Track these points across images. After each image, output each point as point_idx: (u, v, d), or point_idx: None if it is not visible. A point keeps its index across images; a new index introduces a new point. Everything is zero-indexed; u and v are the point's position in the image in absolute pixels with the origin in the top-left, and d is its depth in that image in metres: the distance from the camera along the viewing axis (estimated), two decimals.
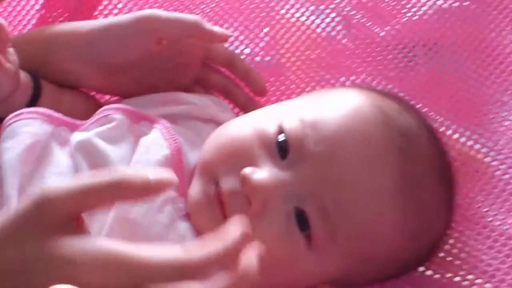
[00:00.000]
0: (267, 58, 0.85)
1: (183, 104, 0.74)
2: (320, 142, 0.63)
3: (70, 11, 0.86)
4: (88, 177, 0.52)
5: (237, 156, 0.64)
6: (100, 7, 0.88)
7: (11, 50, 0.68)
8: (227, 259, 0.52)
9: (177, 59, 0.77)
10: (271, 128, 0.65)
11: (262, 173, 0.62)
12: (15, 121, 0.67)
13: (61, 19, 0.87)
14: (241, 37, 0.86)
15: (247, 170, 0.62)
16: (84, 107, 0.74)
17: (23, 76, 0.71)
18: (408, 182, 0.65)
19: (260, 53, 0.86)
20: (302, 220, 0.62)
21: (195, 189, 0.65)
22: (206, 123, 0.73)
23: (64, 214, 0.51)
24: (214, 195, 0.63)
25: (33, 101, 0.71)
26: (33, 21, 0.87)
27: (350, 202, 0.62)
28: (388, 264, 0.68)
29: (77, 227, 0.52)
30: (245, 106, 0.81)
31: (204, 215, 0.64)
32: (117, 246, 0.50)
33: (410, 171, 0.65)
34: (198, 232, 0.64)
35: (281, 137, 0.64)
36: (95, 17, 0.87)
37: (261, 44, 0.86)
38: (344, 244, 0.63)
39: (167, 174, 0.53)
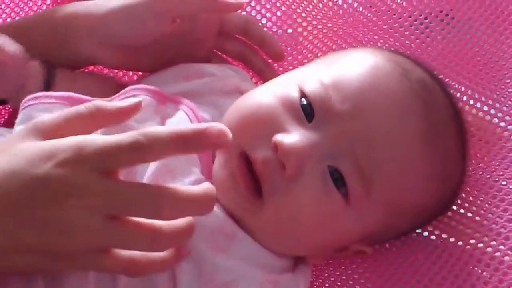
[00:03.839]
0: (284, 27, 0.86)
1: (206, 77, 0.74)
2: (346, 100, 0.64)
3: None
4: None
5: (264, 125, 0.64)
6: None
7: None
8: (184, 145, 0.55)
9: (192, 34, 0.77)
10: (293, 93, 0.66)
11: (293, 137, 0.63)
12: (33, 104, 0.66)
13: None
14: (258, 7, 0.86)
15: (278, 136, 0.62)
16: (99, 89, 0.75)
17: (34, 65, 0.72)
18: (435, 129, 0.66)
19: (277, 23, 0.86)
20: (337, 179, 0.63)
21: (218, 163, 0.66)
22: (230, 94, 0.73)
23: (49, 137, 0.56)
24: (237, 170, 0.64)
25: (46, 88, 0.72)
26: (48, 1, 0.88)
27: (383, 155, 0.64)
28: (420, 213, 0.69)
29: None
30: (262, 72, 0.82)
31: (229, 191, 0.64)
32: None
33: (435, 119, 0.67)
34: (227, 210, 0.65)
35: (304, 101, 0.65)
36: None
37: (278, 13, 0.86)
38: (380, 196, 0.64)
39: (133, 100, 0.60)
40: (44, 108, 0.66)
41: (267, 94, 0.67)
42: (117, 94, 0.70)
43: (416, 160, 0.65)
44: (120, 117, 0.60)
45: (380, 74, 0.66)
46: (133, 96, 0.69)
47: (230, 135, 0.56)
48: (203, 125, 0.56)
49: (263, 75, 0.82)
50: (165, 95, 0.70)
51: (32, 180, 0.54)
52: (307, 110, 0.65)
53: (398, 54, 0.73)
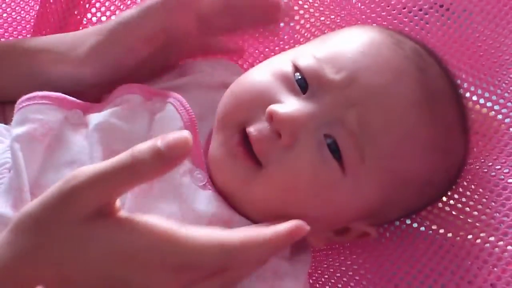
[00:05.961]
0: None
1: (194, 73, 0.74)
2: (339, 70, 0.64)
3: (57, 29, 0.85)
4: (104, 165, 0.51)
5: (259, 99, 0.64)
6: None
7: None
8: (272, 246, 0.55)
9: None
10: (287, 68, 0.66)
11: (288, 106, 0.63)
12: (27, 105, 0.67)
13: None
14: None
15: (273, 106, 0.63)
16: None
17: None
18: (432, 96, 0.66)
19: None
20: (333, 149, 0.63)
21: (216, 144, 0.66)
22: (217, 90, 0.73)
23: (91, 206, 0.52)
24: (236, 145, 0.64)
25: None
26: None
27: (377, 120, 0.63)
28: (423, 187, 0.68)
29: (111, 210, 0.53)
30: None
31: (227, 168, 0.65)
32: (169, 226, 0.53)
33: (431, 86, 0.66)
34: (221, 196, 0.65)
35: (298, 75, 0.65)
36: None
37: None
38: (376, 164, 0.64)
39: (178, 137, 0.51)
40: (37, 109, 0.67)
41: (261, 71, 0.67)
42: (108, 97, 0.70)
43: (413, 126, 0.65)
44: (162, 168, 0.52)
45: (373, 44, 0.67)
46: (121, 96, 0.69)
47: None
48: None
49: None
50: (151, 91, 0.70)
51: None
52: (302, 84, 0.65)
53: (390, 29, 0.73)
